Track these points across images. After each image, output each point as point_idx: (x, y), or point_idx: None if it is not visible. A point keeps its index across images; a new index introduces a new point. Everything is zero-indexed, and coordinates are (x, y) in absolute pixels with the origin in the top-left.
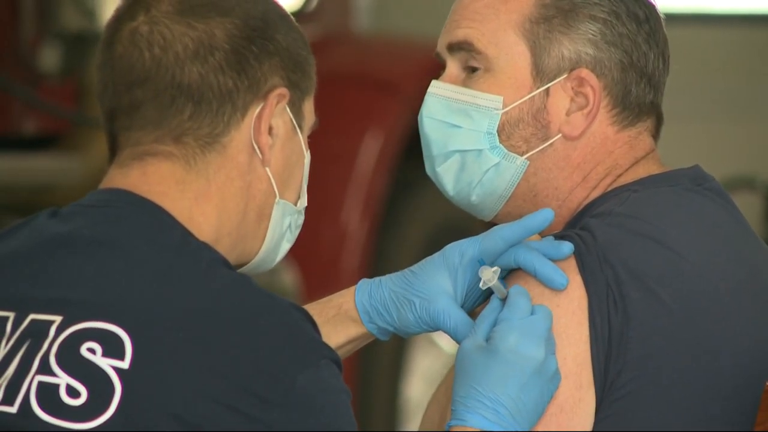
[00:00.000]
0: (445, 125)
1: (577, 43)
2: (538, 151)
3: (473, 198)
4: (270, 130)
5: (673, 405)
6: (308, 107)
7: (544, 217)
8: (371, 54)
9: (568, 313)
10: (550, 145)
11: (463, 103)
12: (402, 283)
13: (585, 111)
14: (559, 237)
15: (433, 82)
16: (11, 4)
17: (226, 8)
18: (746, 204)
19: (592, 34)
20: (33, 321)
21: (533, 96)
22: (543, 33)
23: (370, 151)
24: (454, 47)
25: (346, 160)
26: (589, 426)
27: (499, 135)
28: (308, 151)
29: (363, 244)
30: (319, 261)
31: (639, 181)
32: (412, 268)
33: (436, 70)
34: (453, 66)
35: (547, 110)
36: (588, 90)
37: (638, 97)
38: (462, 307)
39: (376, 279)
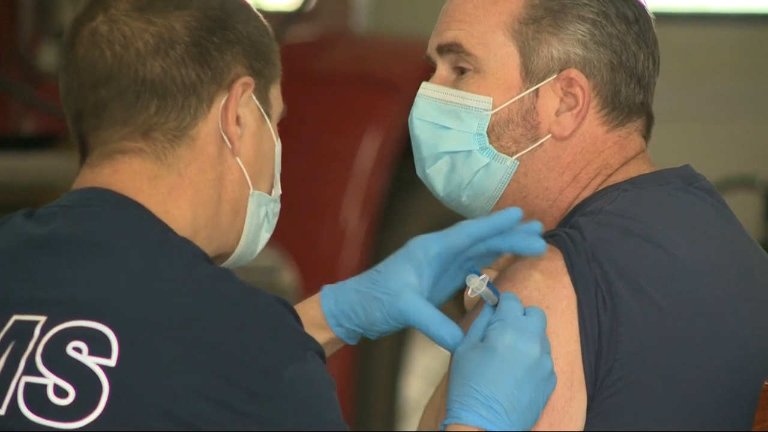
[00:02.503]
0: (435, 126)
1: (566, 43)
2: (527, 152)
3: (464, 199)
4: (237, 119)
5: (664, 403)
6: (275, 94)
7: (511, 216)
8: (370, 53)
9: (558, 312)
10: (540, 145)
11: (453, 104)
12: (367, 282)
13: (574, 111)
14: (548, 236)
15: (423, 84)
16: (10, 4)
17: (184, 1)
18: (745, 203)
19: (582, 35)
20: (17, 322)
21: (522, 97)
22: (532, 34)
23: (369, 151)
24: (443, 49)
25: (344, 159)
26: (581, 425)
27: (488, 136)
28: (278, 140)
29: (362, 243)
30: (318, 260)
31: (629, 180)
32: (376, 267)
33: (434, 69)
34: (443, 68)
35: (536, 111)
36: (577, 90)
37: (628, 98)
38: (429, 301)
39: (340, 283)
